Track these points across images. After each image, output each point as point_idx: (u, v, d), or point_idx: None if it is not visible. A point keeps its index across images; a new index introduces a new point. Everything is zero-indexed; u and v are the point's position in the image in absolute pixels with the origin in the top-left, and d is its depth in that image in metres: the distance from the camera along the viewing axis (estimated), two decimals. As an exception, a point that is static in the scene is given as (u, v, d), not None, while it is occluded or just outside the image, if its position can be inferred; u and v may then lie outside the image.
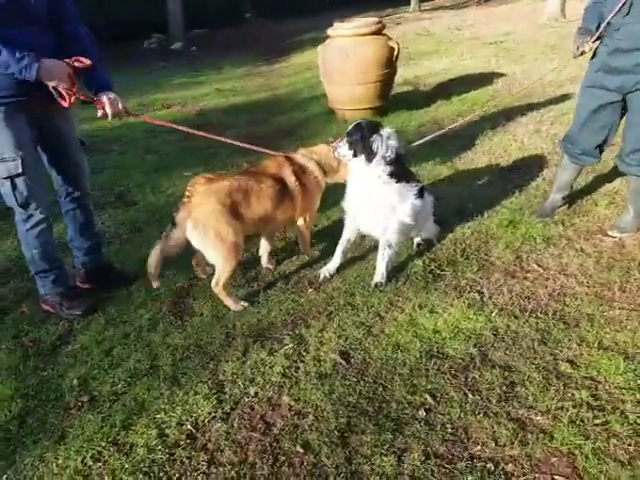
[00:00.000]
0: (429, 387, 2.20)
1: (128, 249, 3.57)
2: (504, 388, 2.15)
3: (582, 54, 2.99)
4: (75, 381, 2.39)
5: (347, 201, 3.07)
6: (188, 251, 2.82)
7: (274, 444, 2.00)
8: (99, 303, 2.95)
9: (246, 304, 2.85)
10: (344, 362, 2.39)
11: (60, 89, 2.48)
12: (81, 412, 2.21)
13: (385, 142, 2.74)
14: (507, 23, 11.89)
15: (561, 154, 3.54)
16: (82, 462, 1.97)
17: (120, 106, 2.67)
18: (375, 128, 2.79)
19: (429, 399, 2.14)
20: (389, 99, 6.33)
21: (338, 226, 3.23)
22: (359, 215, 3.05)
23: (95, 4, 14.07)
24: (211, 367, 2.43)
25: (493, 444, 1.91)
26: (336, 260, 3.12)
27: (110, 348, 2.60)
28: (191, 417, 2.15)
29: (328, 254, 3.19)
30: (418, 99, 6.71)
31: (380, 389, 2.22)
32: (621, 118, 3.07)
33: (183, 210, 2.68)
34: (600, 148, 3.19)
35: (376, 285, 2.93)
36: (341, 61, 5.78)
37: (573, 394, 2.08)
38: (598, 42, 2.97)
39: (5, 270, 3.37)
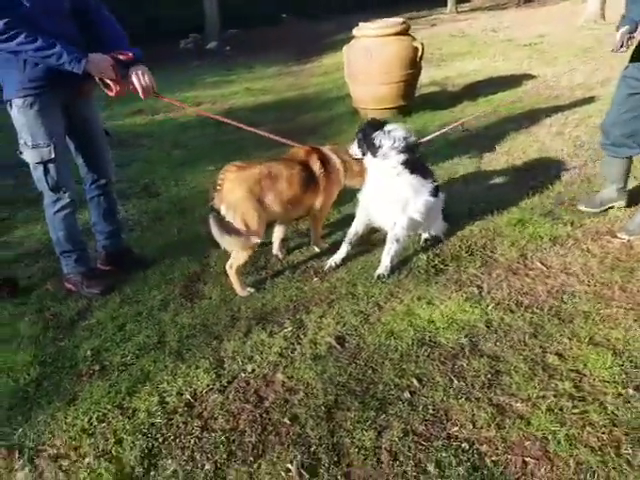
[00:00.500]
0: (417, 372, 2.29)
1: (149, 236, 3.77)
2: (489, 376, 2.22)
3: (625, 50, 2.97)
4: (89, 352, 2.59)
5: (362, 193, 3.18)
6: (199, 239, 2.97)
7: (264, 415, 2.13)
8: (117, 284, 3.15)
9: (252, 290, 2.99)
10: (339, 346, 2.50)
11: (107, 80, 2.69)
12: (92, 379, 2.40)
13: (389, 135, 2.84)
14: (544, 25, 11.72)
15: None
16: (88, 422, 2.15)
17: (148, 79, 2.74)
18: (379, 125, 2.90)
19: (415, 383, 2.23)
20: (413, 99, 6.38)
21: (349, 221, 3.34)
22: (372, 207, 3.14)
23: (134, 4, 14.54)
24: (214, 345, 2.58)
25: (471, 426, 1.99)
26: (342, 250, 3.22)
27: (123, 324, 2.78)
28: (190, 388, 2.30)
29: (337, 247, 3.28)
30: (444, 100, 6.73)
31: (370, 371, 2.32)
32: None
33: (217, 197, 2.87)
34: (634, 139, 3.16)
35: (378, 277, 3.02)
36: (365, 61, 5.87)
37: (556, 384, 2.13)
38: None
39: (35, 252, 3.62)
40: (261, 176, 2.90)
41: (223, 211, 2.84)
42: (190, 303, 2.95)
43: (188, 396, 2.25)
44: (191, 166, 5.24)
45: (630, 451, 1.81)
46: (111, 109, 7.43)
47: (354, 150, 3.07)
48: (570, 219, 3.43)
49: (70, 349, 2.63)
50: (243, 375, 2.36)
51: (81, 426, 2.13)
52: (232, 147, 5.59)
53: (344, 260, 3.22)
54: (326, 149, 3.26)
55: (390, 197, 3.01)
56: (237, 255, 2.92)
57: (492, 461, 1.84)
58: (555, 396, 2.07)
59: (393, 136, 2.86)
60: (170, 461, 1.94)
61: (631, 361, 2.21)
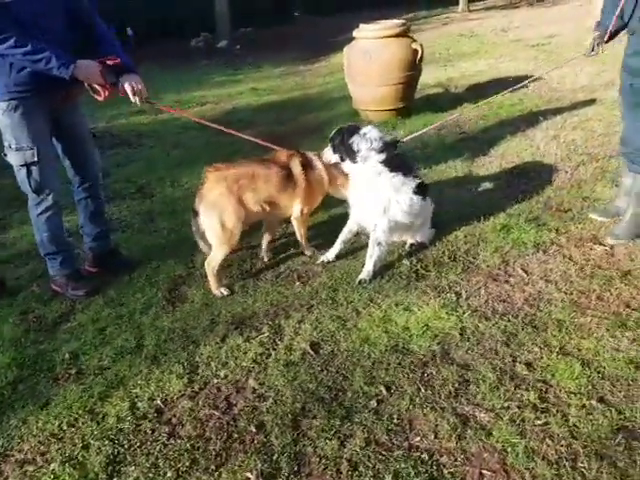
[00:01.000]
0: (386, 379, 2.30)
1: (138, 238, 3.82)
2: (456, 385, 2.22)
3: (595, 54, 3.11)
4: (67, 355, 2.63)
5: (349, 193, 3.22)
6: (187, 241, 3.01)
7: (231, 422, 2.16)
8: (102, 286, 3.20)
9: (226, 292, 3.04)
10: (313, 352, 2.52)
11: (95, 85, 2.75)
12: (67, 383, 2.44)
13: (364, 137, 2.86)
14: (554, 25, 11.58)
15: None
16: (58, 426, 2.19)
17: (140, 87, 2.82)
18: (355, 130, 2.91)
19: (383, 391, 2.24)
20: (413, 101, 6.36)
21: (338, 224, 3.36)
22: (356, 207, 3.19)
23: (149, 3, 14.65)
24: (190, 349, 2.61)
25: (433, 436, 2.00)
26: (336, 248, 3.27)
27: (104, 327, 2.83)
28: (162, 393, 2.33)
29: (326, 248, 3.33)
30: (445, 101, 6.69)
31: (340, 379, 2.34)
32: None
33: (197, 197, 2.99)
34: None
35: (360, 282, 3.03)
36: (364, 62, 5.87)
37: (522, 395, 2.13)
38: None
39: (26, 253, 3.68)
40: (239, 175, 2.98)
41: (202, 210, 2.94)
42: (172, 307, 2.99)
43: (159, 402, 2.29)
44: (188, 167, 5.27)
45: (586, 464, 1.81)
46: (117, 107, 7.49)
47: (329, 155, 3.10)
48: (555, 225, 3.41)
49: (49, 352, 2.67)
50: (215, 381, 2.39)
51: (51, 431, 2.17)
52: (231, 148, 5.59)
53: (333, 260, 3.26)
54: (311, 155, 3.28)
55: (371, 198, 3.03)
56: (215, 252, 3.00)
57: (450, 473, 1.85)
58: (519, 407, 2.07)
59: (369, 137, 2.89)
60: (133, 468, 1.97)
61: (598, 372, 2.20)
